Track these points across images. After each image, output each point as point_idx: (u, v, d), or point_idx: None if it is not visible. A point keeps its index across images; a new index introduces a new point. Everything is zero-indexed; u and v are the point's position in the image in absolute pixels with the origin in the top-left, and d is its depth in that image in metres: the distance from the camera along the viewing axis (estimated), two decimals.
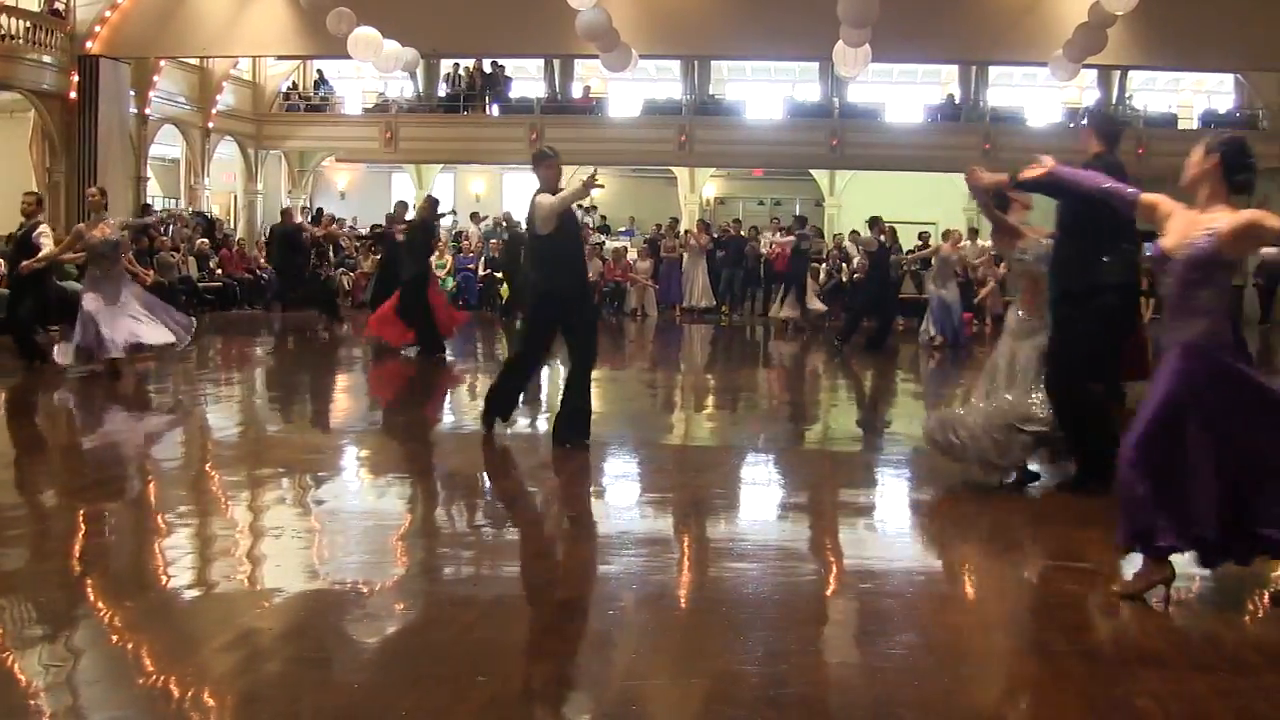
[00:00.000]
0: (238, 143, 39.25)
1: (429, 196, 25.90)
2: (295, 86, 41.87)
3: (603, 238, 38.53)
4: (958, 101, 40.40)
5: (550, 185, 11.56)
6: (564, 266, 11.61)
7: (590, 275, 28.73)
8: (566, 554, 8.27)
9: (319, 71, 41.68)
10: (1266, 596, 7.20)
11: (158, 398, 16.38)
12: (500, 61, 40.35)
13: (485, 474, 11.49)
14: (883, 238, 24.88)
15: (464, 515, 9.58)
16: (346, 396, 17.57)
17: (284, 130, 40.59)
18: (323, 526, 8.93)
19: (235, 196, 39.51)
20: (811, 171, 40.73)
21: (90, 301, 16.06)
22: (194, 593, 7.15)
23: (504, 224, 34.09)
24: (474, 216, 37.88)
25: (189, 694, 5.40)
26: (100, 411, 14.99)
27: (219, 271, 32.17)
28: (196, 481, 10.66)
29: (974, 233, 37.62)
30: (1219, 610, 7.12)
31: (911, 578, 7.96)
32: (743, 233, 35.21)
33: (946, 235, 26.15)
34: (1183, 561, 7.12)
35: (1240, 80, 40.12)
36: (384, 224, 25.14)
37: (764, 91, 41.49)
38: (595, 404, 15.75)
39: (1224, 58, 32.93)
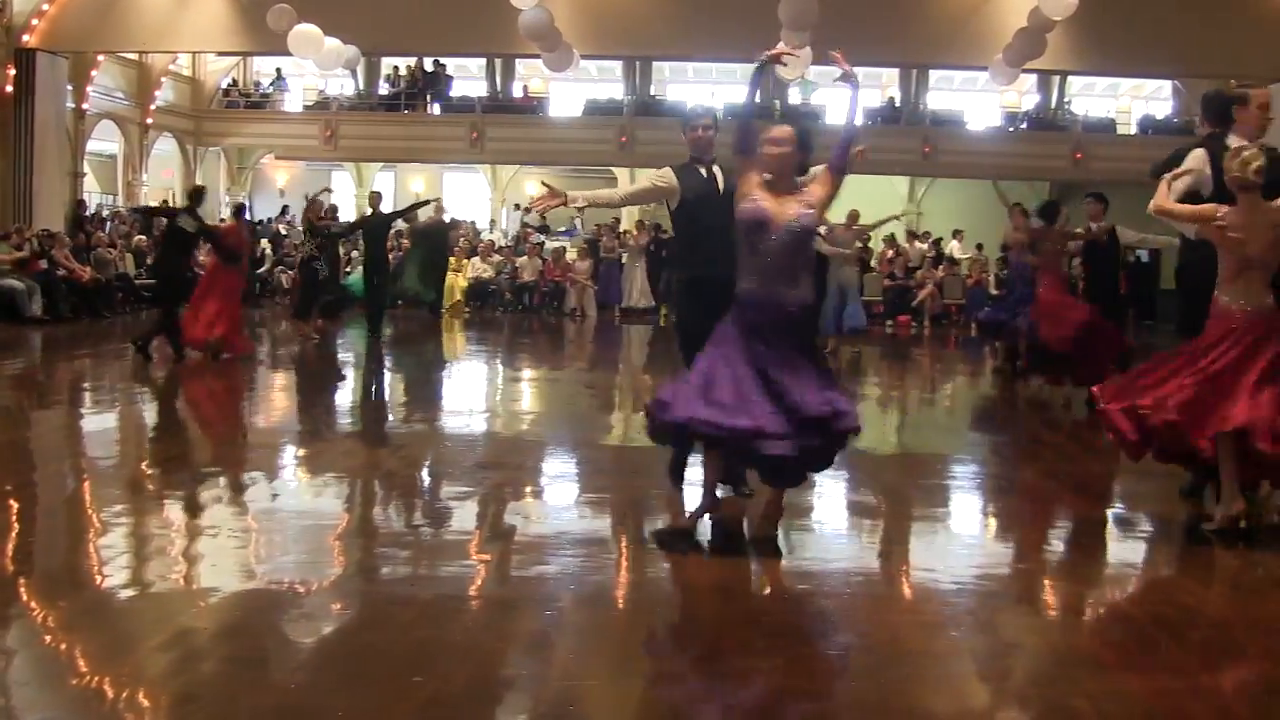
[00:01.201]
0: (176, 139, 39.07)
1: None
2: (235, 83, 41.71)
3: (542, 238, 38.53)
4: (898, 105, 40.57)
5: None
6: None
7: (529, 275, 28.79)
8: (504, 554, 8.24)
9: (277, 70, 41.47)
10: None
11: (93, 394, 16.31)
12: (441, 60, 40.29)
13: (424, 474, 11.48)
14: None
15: (402, 515, 9.56)
16: (285, 395, 17.50)
17: (223, 127, 40.46)
18: (259, 526, 8.88)
19: (173, 193, 39.29)
20: None
21: None
22: (129, 592, 7.10)
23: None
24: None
25: (123, 694, 5.37)
26: (32, 409, 14.91)
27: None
28: (132, 479, 10.59)
29: (911, 235, 37.86)
30: (1154, 612, 7.16)
31: (849, 578, 7.98)
32: None
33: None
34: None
35: (1178, 86, 40.42)
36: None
37: (705, 93, 41.51)
38: (533, 404, 15.80)
39: (1161, 64, 33.22)
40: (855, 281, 24.88)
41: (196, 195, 19.69)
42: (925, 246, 37.35)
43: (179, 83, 39.20)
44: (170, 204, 34.84)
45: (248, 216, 32.16)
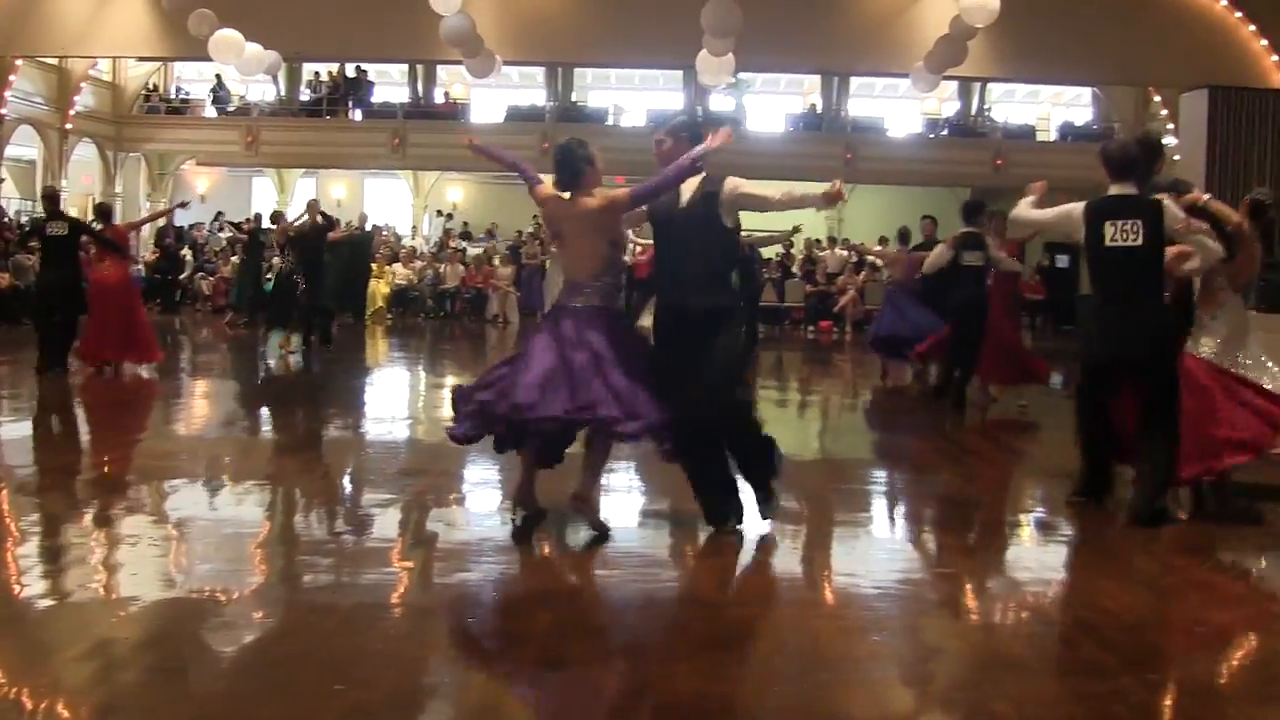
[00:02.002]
0: (96, 144, 38.84)
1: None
2: (156, 88, 41.45)
3: (464, 244, 38.51)
4: (819, 111, 40.73)
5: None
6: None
7: (451, 281, 28.68)
8: (426, 561, 8.23)
9: (217, 76, 41.16)
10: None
11: (10, 402, 16.18)
12: (363, 66, 40.20)
13: (345, 481, 11.45)
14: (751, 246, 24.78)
15: (324, 522, 9.52)
16: (206, 402, 17.41)
17: (144, 132, 40.23)
18: (180, 534, 8.83)
19: (93, 199, 39.02)
20: None
21: None
22: (48, 602, 7.04)
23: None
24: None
25: (42, 705, 5.33)
26: None
27: None
28: (50, 488, 10.51)
29: (832, 241, 38.01)
30: (1075, 615, 7.22)
31: (772, 584, 8.02)
32: None
33: None
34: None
35: (1098, 94, 40.83)
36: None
37: (627, 99, 41.55)
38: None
39: (1081, 72, 33.56)
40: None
41: (53, 198, 19.10)
42: (846, 253, 37.51)
43: (99, 88, 38.97)
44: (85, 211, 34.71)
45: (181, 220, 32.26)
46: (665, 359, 8.75)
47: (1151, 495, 9.71)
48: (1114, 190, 10.16)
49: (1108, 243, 9.85)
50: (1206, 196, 10.83)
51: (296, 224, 23.97)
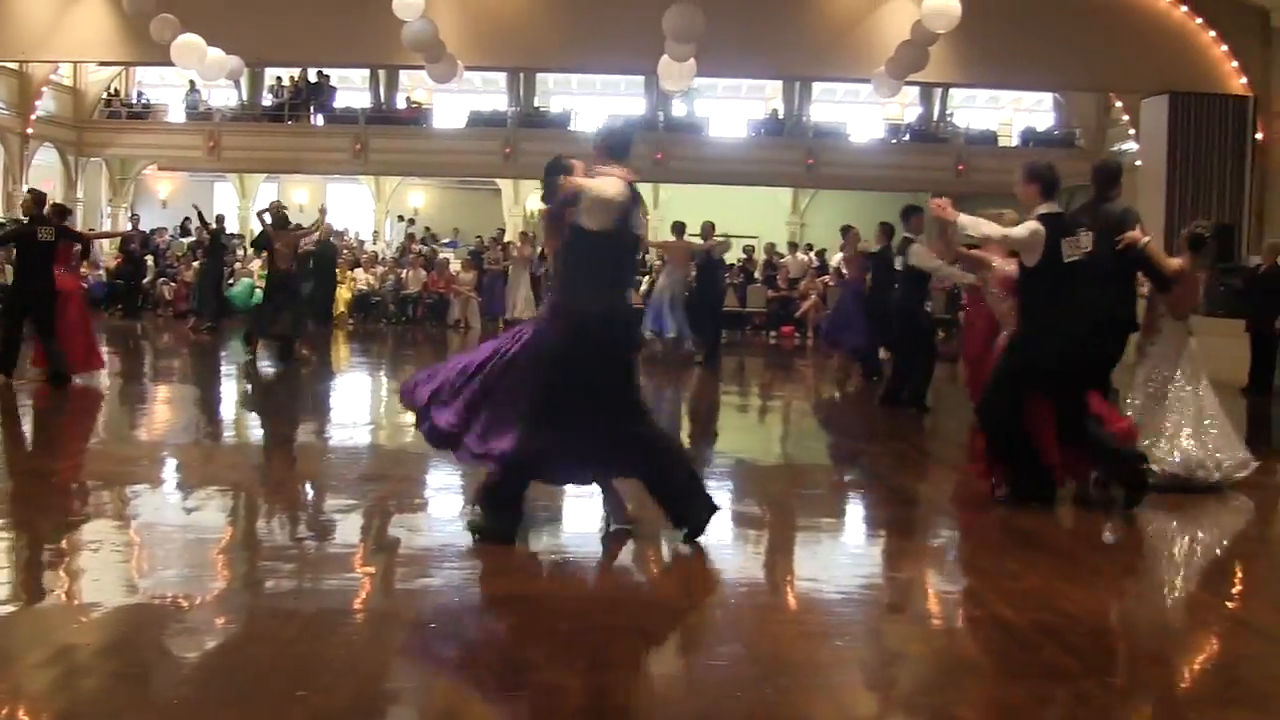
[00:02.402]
0: (58, 150, 38.68)
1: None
2: (117, 93, 41.30)
3: (427, 249, 38.50)
4: (781, 116, 40.77)
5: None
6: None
7: (413, 287, 28.60)
8: (389, 566, 8.23)
9: (191, 81, 40.96)
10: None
11: None
12: (325, 71, 40.11)
13: (307, 486, 11.43)
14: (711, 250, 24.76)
15: (286, 528, 9.49)
16: (167, 407, 17.35)
17: (105, 137, 40.07)
18: (142, 540, 8.81)
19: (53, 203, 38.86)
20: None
21: None
22: (8, 608, 7.00)
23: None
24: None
25: (3, 712, 5.32)
26: None
27: None
28: (12, 494, 10.46)
29: (794, 246, 38.04)
30: (1035, 619, 7.24)
31: (735, 589, 8.03)
32: None
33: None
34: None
35: (1059, 100, 40.95)
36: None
37: (590, 104, 41.55)
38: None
39: (1042, 77, 33.66)
40: (681, 292, 24.33)
41: (42, 202, 18.84)
42: (806, 258, 37.55)
43: (60, 92, 38.78)
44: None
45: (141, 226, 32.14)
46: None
47: (1121, 473, 10.61)
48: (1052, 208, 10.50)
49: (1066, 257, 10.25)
50: (1146, 239, 11.19)
51: (314, 237, 24.03)
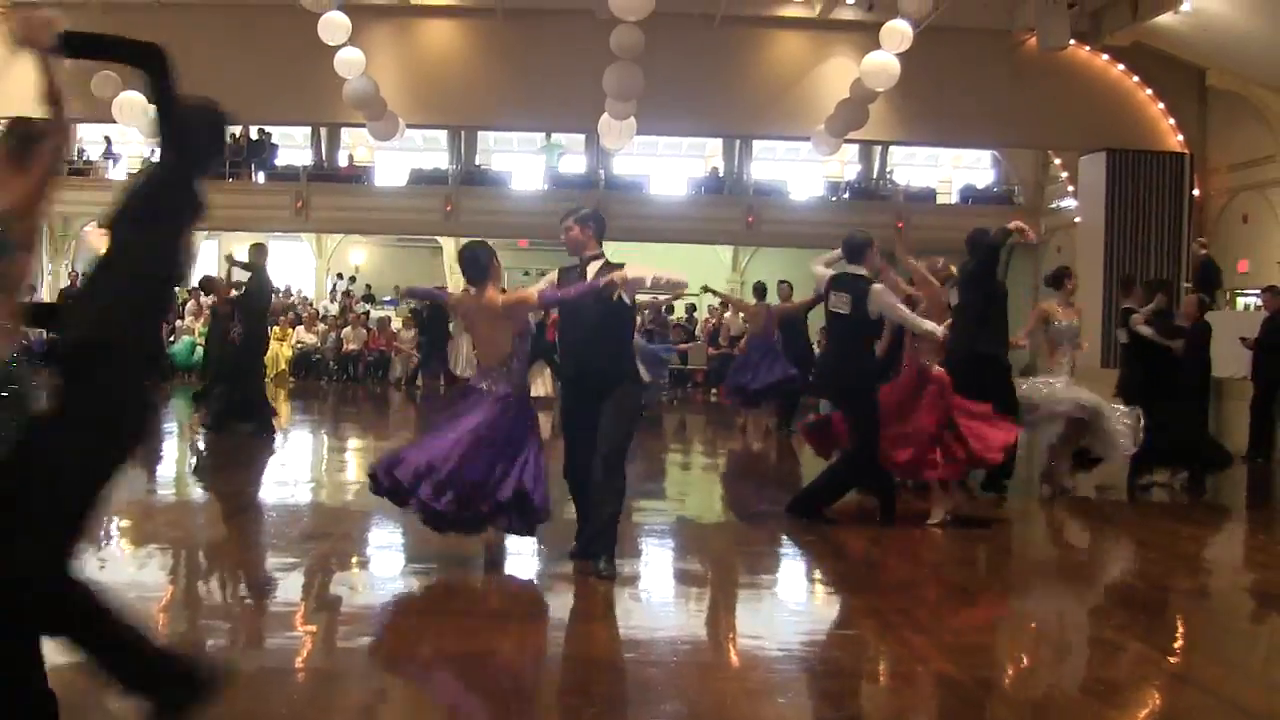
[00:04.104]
0: None
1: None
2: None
3: (368, 307, 38.44)
4: (721, 174, 40.91)
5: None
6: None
7: (354, 344, 28.44)
8: (330, 625, 8.20)
9: (106, 139, 40.77)
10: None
11: None
12: (266, 128, 40.06)
13: (248, 544, 11.38)
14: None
15: (226, 586, 9.45)
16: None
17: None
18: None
19: None
20: None
21: None
22: None
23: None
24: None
25: None
26: None
27: None
28: None
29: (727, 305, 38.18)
30: (978, 676, 7.25)
31: (676, 646, 8.02)
32: None
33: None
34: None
35: (997, 157, 41.25)
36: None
37: (529, 163, 41.58)
38: (358, 474, 15.66)
39: (981, 135, 34.04)
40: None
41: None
42: (739, 316, 37.72)
43: None
44: None
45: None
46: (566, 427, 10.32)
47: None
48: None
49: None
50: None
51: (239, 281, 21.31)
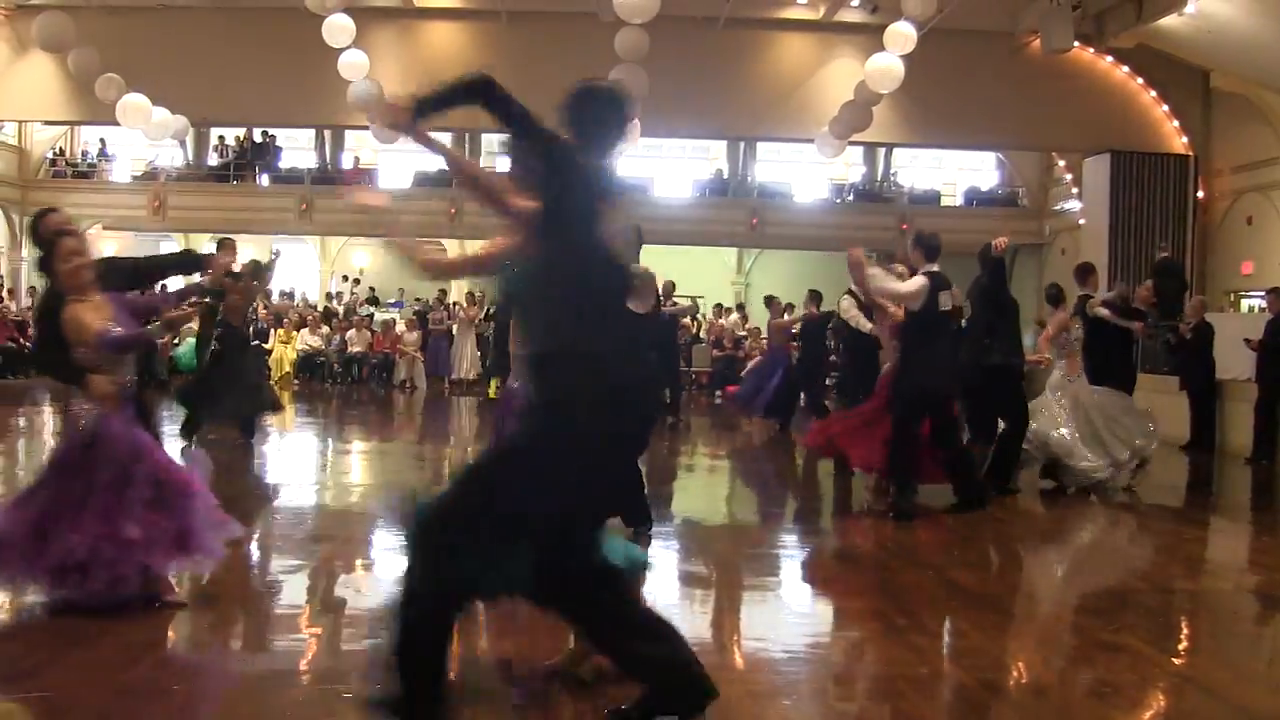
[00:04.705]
0: (2, 209, 38.49)
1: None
2: (63, 152, 41.15)
3: (371, 309, 38.42)
4: (726, 177, 40.89)
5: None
6: None
7: (358, 347, 28.48)
8: (335, 627, 8.20)
9: (101, 140, 40.81)
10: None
11: None
12: (271, 131, 40.06)
13: (253, 546, 11.37)
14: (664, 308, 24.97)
15: (232, 588, 9.45)
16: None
17: (50, 197, 39.72)
18: (89, 603, 8.74)
19: None
20: None
21: None
22: None
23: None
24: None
25: None
26: None
27: None
28: None
29: (740, 307, 38.11)
30: (983, 678, 7.25)
31: None
32: None
33: None
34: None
35: (1002, 159, 41.21)
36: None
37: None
38: (363, 476, 15.67)
39: (985, 137, 34.00)
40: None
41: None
42: (737, 318, 37.73)
43: (5, 151, 38.63)
44: None
45: None
46: None
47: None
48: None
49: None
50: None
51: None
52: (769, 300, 25.27)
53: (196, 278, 9.68)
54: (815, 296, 22.27)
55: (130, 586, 7.97)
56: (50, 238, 8.38)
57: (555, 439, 5.57)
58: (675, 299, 25.07)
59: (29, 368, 32.20)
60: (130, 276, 8.82)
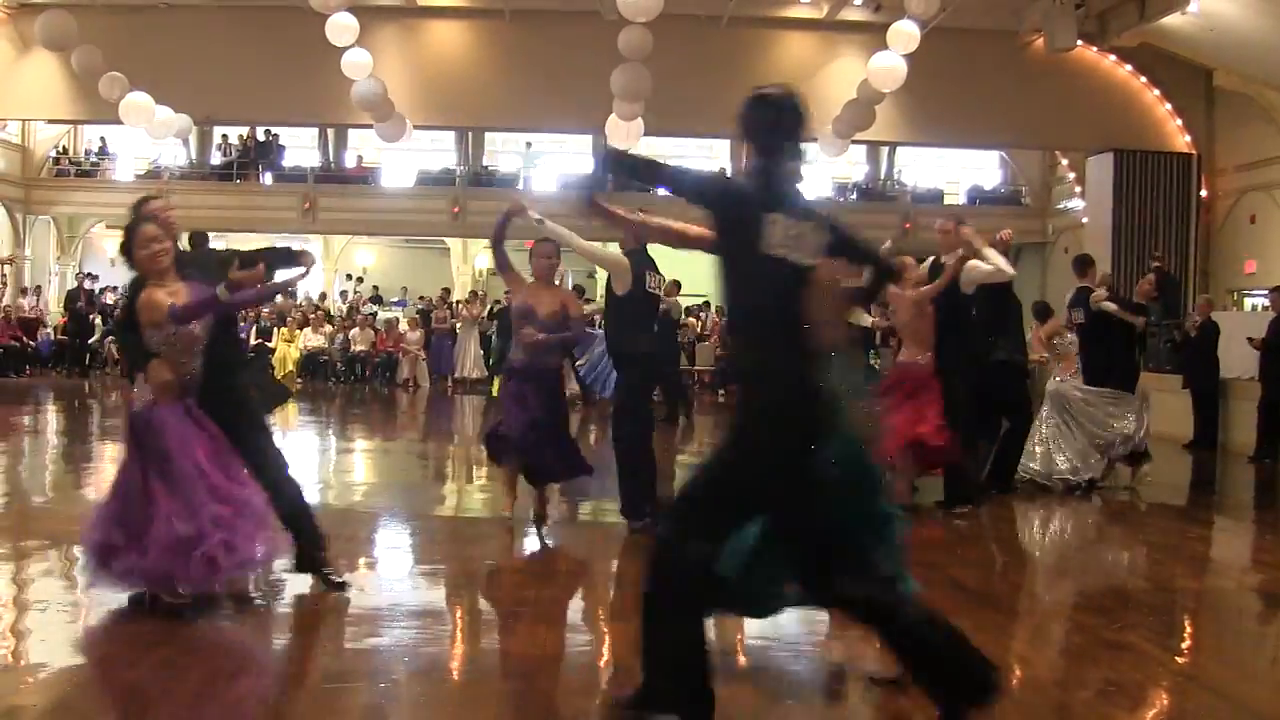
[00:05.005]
0: (5, 207, 38.47)
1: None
2: (65, 151, 41.16)
3: (375, 308, 38.43)
4: (729, 176, 40.83)
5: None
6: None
7: (361, 346, 28.42)
8: (338, 627, 8.20)
9: (101, 139, 40.89)
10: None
11: None
12: (274, 130, 40.06)
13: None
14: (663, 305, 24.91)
15: (234, 587, 9.45)
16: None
17: (53, 195, 39.88)
18: (90, 600, 8.73)
19: (13, 259, 38.66)
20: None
21: None
22: None
23: None
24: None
25: None
26: None
27: None
28: None
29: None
30: None
31: None
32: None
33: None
34: None
35: (1005, 158, 41.22)
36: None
37: (540, 164, 41.52)
38: (366, 475, 15.66)
39: (988, 136, 34.02)
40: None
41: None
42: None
43: (8, 150, 38.61)
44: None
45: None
46: None
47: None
48: None
49: None
50: None
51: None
52: None
53: (296, 271, 9.72)
54: None
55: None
56: (132, 225, 8.49)
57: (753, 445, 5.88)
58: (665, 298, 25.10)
59: (32, 366, 32.34)
60: (224, 268, 8.91)
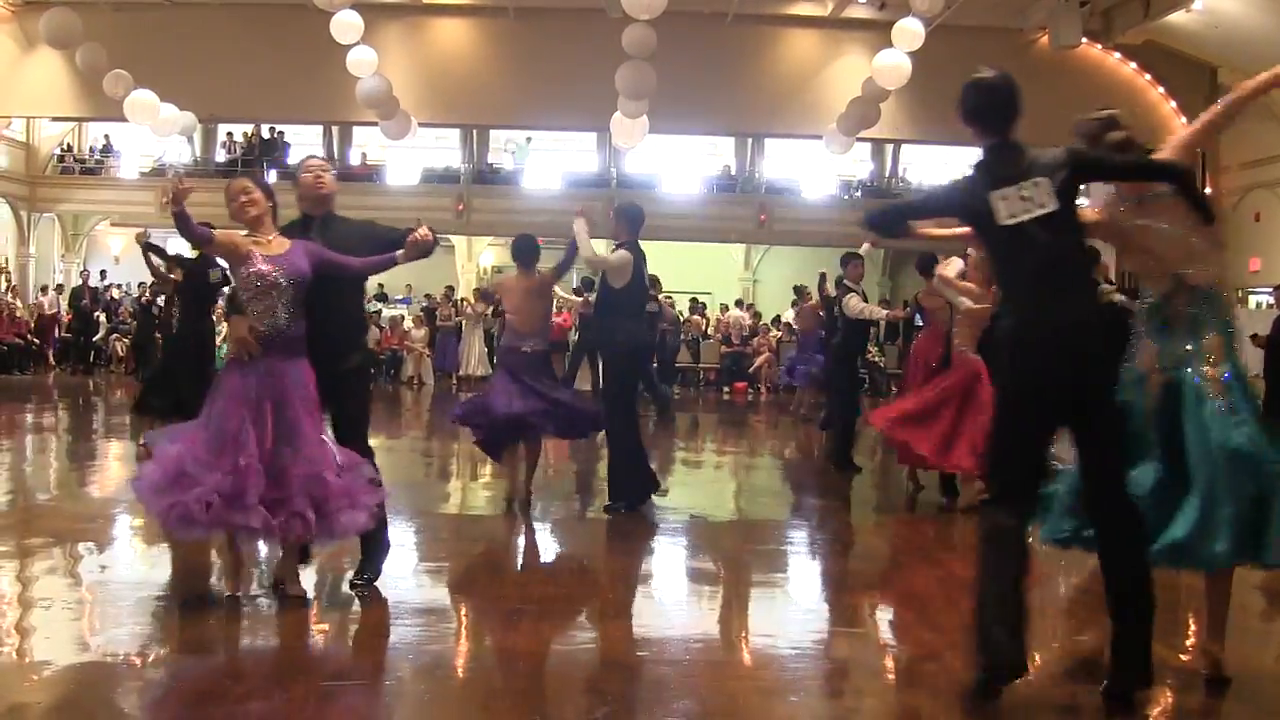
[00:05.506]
0: (9, 204, 38.50)
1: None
2: (70, 148, 41.16)
3: (379, 305, 38.43)
4: (734, 173, 40.84)
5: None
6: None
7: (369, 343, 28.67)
8: (341, 625, 8.20)
9: (105, 136, 40.87)
10: None
11: None
12: (279, 127, 40.05)
13: (260, 544, 11.37)
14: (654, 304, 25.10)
15: (238, 586, 9.44)
16: (120, 464, 17.23)
17: (58, 193, 39.88)
18: (94, 597, 8.75)
19: (6, 259, 38.66)
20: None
21: None
22: None
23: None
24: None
25: None
26: None
27: None
28: None
29: (739, 303, 38.09)
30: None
31: (688, 645, 8.01)
32: None
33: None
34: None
35: None
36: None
37: (542, 162, 41.51)
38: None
39: None
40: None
41: None
42: (743, 314, 37.64)
43: (13, 148, 38.64)
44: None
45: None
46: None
47: None
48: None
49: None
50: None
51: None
52: (801, 290, 26.05)
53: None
54: (824, 276, 22.80)
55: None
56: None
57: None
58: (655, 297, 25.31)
59: (37, 364, 32.36)
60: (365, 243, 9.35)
